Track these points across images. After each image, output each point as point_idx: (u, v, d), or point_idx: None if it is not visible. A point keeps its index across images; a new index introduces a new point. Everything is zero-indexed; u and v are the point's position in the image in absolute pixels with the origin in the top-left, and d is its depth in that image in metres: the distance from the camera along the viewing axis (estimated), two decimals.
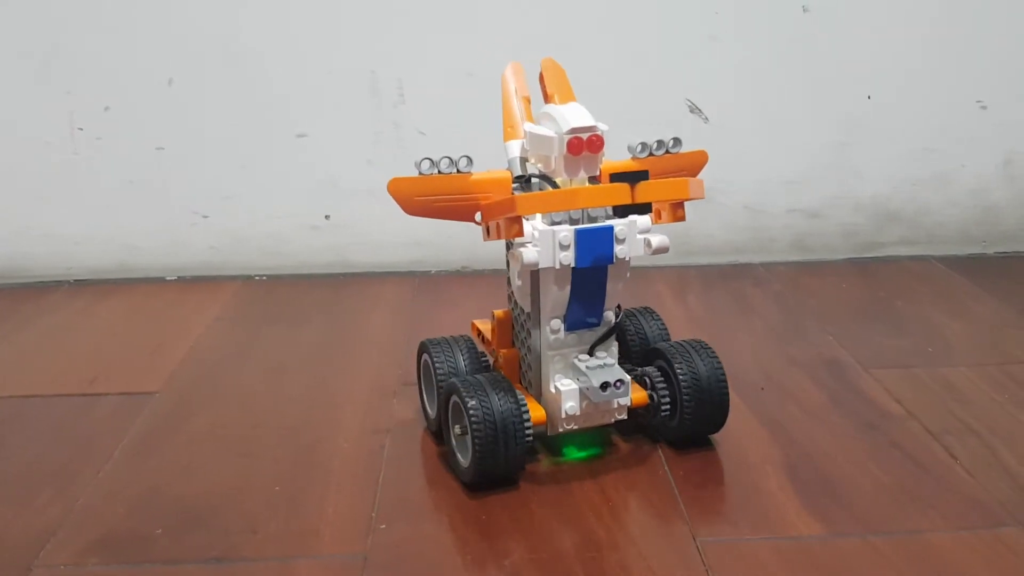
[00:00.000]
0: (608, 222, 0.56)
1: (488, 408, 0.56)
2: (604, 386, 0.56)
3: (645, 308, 0.70)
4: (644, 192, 0.53)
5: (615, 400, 0.59)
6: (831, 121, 1.02)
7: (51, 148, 0.99)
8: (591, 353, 0.59)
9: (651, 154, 0.60)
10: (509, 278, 0.61)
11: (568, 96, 0.60)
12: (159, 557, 0.53)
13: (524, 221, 0.55)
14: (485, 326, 0.67)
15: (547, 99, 0.62)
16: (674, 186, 0.54)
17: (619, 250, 0.56)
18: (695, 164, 0.62)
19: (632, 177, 0.53)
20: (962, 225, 1.05)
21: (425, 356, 0.66)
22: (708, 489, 0.58)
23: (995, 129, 1.03)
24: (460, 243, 1.02)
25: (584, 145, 0.55)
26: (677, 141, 0.60)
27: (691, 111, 1.00)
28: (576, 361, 0.59)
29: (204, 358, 0.81)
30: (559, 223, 0.56)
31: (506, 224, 0.54)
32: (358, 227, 1.01)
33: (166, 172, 0.99)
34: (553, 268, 0.55)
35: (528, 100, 0.62)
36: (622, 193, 0.53)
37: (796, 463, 0.61)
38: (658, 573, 0.50)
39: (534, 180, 0.58)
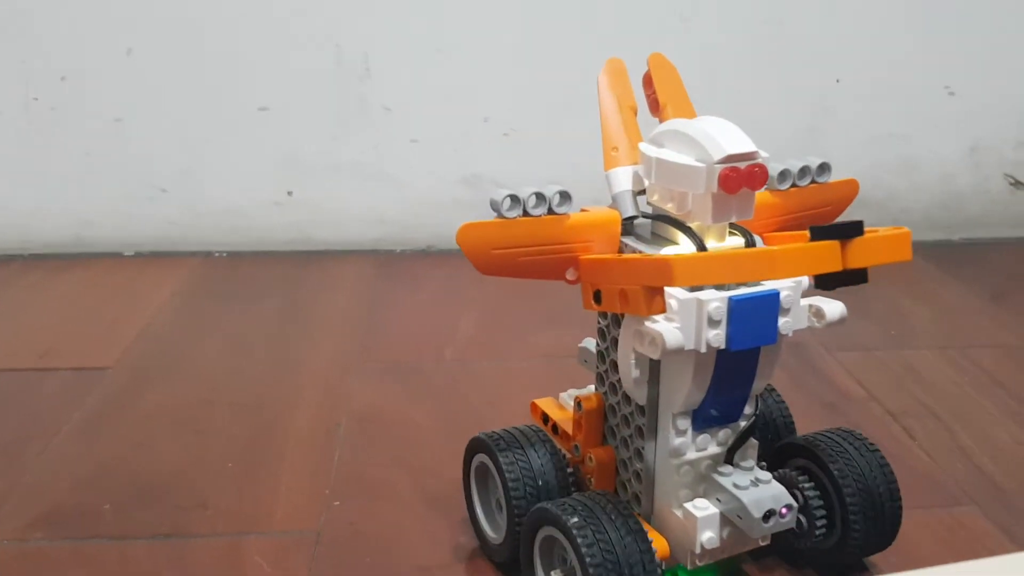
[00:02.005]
0: (768, 284, 0.40)
1: (608, 549, 0.40)
2: (768, 516, 0.41)
3: None
4: (858, 253, 0.37)
5: None
6: (800, 105, 1.01)
7: (4, 119, 0.96)
8: (730, 461, 0.44)
9: (794, 184, 0.46)
10: (600, 353, 0.46)
11: (687, 106, 0.47)
12: (106, 533, 0.52)
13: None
14: (560, 414, 0.50)
15: (656, 110, 0.48)
16: (895, 243, 0.38)
17: (783, 324, 0.40)
18: (844, 198, 0.48)
19: (843, 231, 0.37)
20: (928, 211, 1.05)
21: (482, 457, 0.49)
22: None
23: (962, 116, 1.03)
24: (426, 222, 1.01)
25: (743, 179, 0.39)
26: (824, 168, 0.47)
27: None
28: (716, 476, 0.43)
29: (160, 334, 0.79)
30: (701, 287, 0.39)
31: (646, 296, 0.38)
32: (321, 203, 1.00)
33: (124, 144, 0.97)
34: (695, 352, 0.39)
35: (635, 111, 0.47)
36: (832, 256, 0.37)
37: None
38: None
39: (639, 221, 0.44)
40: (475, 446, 0.50)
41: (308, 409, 0.66)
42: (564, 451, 0.48)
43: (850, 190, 0.48)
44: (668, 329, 0.38)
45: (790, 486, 0.45)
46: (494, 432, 0.49)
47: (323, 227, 1.00)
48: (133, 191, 0.99)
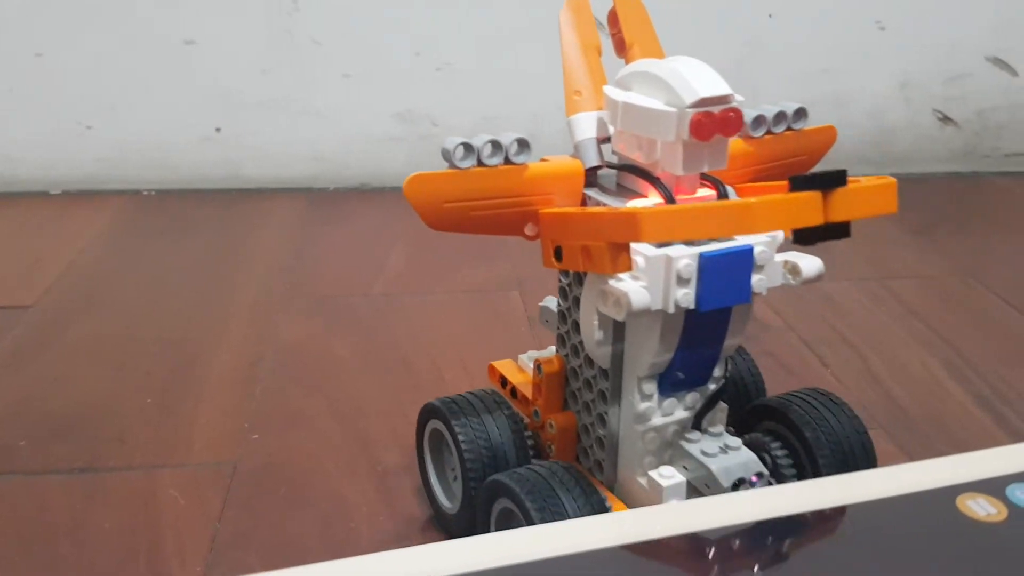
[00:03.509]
0: (740, 239, 0.37)
1: None
2: (737, 484, 0.38)
3: None
4: (842, 205, 0.33)
5: None
6: (732, 40, 1.01)
7: None
8: (698, 426, 0.41)
9: (768, 132, 0.43)
10: (562, 312, 0.44)
11: (655, 46, 0.43)
12: (21, 468, 0.52)
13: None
14: (520, 378, 0.47)
15: (621, 49, 0.44)
16: (880, 194, 0.35)
17: (756, 282, 0.37)
18: (820, 146, 0.45)
19: (824, 181, 0.33)
20: (858, 146, 1.07)
21: (436, 424, 0.46)
22: None
23: (893, 50, 1.04)
24: (359, 159, 1.00)
25: (716, 125, 0.36)
26: (801, 114, 0.44)
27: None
28: (683, 443, 0.40)
29: (84, 272, 0.78)
30: (669, 242, 0.36)
31: (611, 253, 0.35)
32: (251, 140, 0.98)
33: (47, 80, 0.95)
34: (662, 312, 0.37)
35: (599, 51, 0.43)
36: (813, 209, 0.33)
37: None
38: None
39: (603, 172, 0.41)
40: (429, 412, 0.46)
41: (231, 344, 0.66)
42: (523, 416, 0.46)
43: (828, 137, 0.45)
44: (634, 288, 0.36)
45: (760, 451, 0.42)
46: (448, 397, 0.46)
47: (254, 164, 0.99)
48: (58, 128, 0.96)
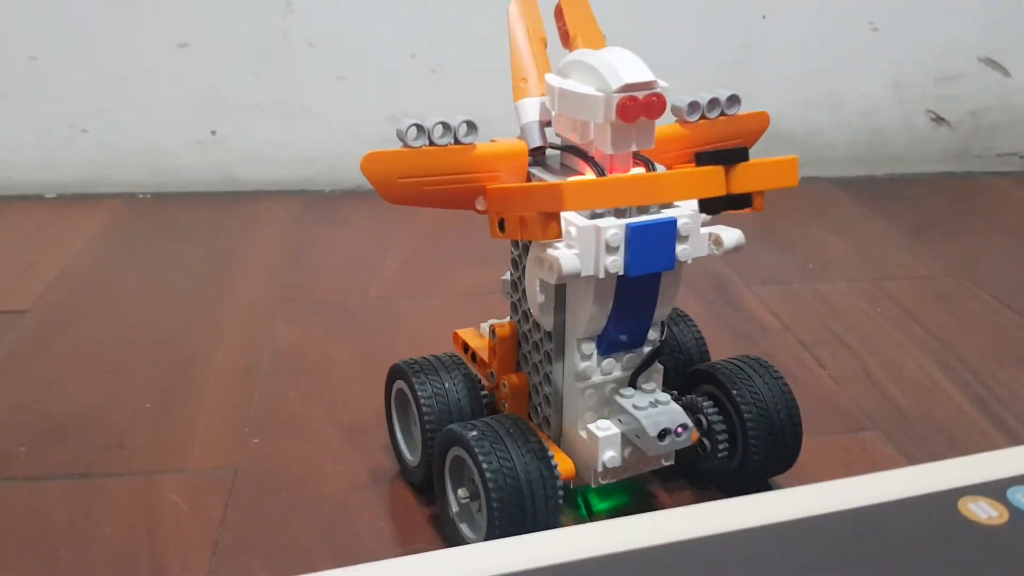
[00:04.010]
0: (667, 213, 0.41)
1: (510, 468, 0.41)
2: (663, 434, 0.42)
3: (675, 312, 0.55)
4: (743, 178, 0.38)
5: None
6: (725, 41, 1.02)
7: None
8: (634, 384, 0.45)
9: (703, 117, 0.47)
10: (514, 282, 0.48)
11: (597, 37, 0.46)
12: (20, 474, 0.52)
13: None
14: (478, 342, 0.52)
15: (566, 41, 0.47)
16: (781, 169, 0.39)
17: (681, 251, 0.41)
18: (754, 131, 0.49)
19: (727, 157, 0.38)
20: (852, 147, 1.07)
21: (400, 384, 0.51)
22: None
23: (886, 52, 1.04)
24: (355, 161, 0.99)
25: (641, 108, 0.40)
26: (734, 100, 0.47)
27: None
28: (618, 398, 0.44)
29: (80, 276, 0.78)
30: (601, 214, 0.41)
31: (541, 221, 0.39)
32: (246, 143, 0.98)
33: (41, 83, 0.94)
34: (594, 278, 0.41)
35: (544, 43, 0.47)
36: (715, 181, 0.38)
37: None
38: None
39: (550, 152, 0.45)
40: (394, 373, 0.51)
41: (229, 348, 0.66)
42: (482, 378, 0.50)
43: (760, 123, 0.49)
44: (565, 255, 0.39)
45: (694, 410, 0.46)
46: (412, 359, 0.50)
47: (248, 167, 0.99)
48: (52, 131, 0.96)
